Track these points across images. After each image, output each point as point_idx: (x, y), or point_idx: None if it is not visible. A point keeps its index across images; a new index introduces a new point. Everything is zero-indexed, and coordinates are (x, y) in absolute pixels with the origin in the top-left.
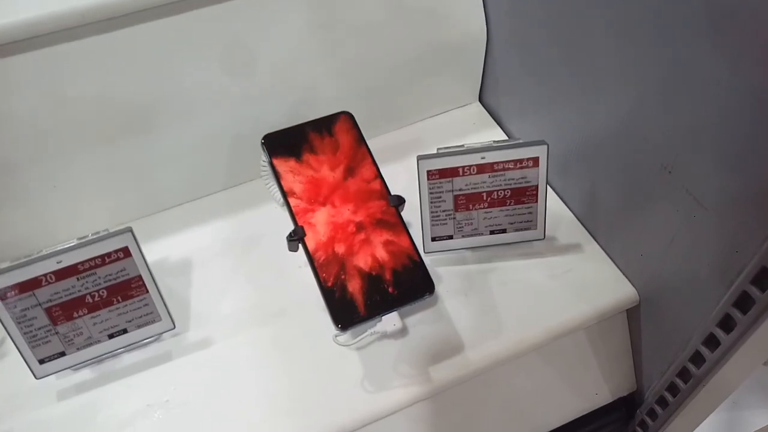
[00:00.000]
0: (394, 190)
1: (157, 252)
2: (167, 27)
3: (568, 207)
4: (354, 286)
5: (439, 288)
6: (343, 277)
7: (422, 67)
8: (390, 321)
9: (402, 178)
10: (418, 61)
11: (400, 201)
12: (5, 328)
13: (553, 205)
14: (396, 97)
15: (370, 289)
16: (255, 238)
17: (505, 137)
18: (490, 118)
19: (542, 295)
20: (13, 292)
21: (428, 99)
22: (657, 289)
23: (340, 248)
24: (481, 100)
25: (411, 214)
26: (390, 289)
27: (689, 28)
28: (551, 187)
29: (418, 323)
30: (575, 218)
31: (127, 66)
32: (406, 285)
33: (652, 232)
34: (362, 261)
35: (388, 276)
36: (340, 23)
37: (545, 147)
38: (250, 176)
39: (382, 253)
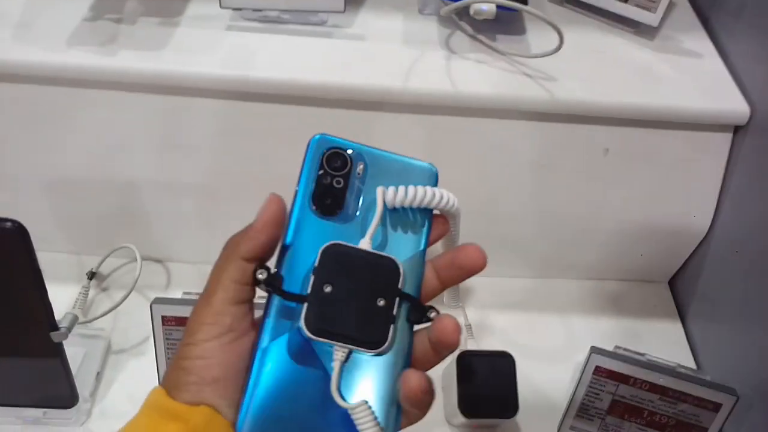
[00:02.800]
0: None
1: None
2: (381, 121)
3: None
4: None
5: None
6: None
7: (626, 235)
8: None
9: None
10: (626, 227)
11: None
12: (155, 345)
13: None
14: (586, 251)
15: None
16: None
17: (683, 334)
18: (673, 306)
19: None
20: (174, 322)
21: (618, 263)
22: None
23: None
24: (670, 281)
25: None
26: None
27: None
28: None
29: None
30: None
31: None
32: None
33: None
34: None
35: None
36: (560, 170)
37: (734, 399)
38: None
39: None
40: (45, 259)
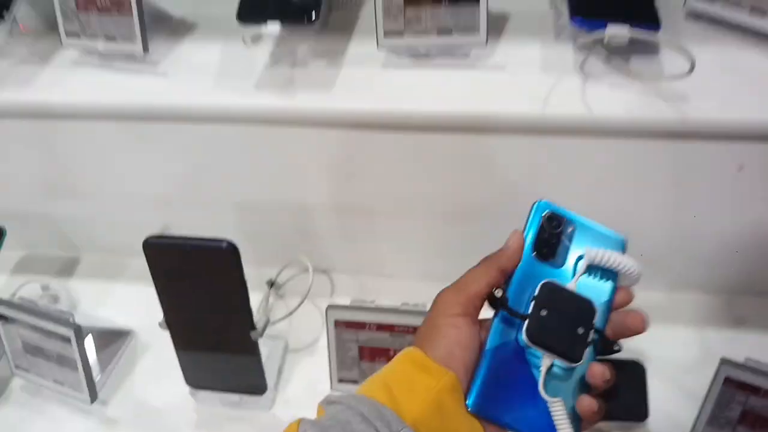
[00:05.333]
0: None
1: None
2: (523, 144)
3: None
4: None
5: None
6: None
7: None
8: None
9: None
10: (763, 242)
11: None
12: (328, 345)
13: None
14: (724, 267)
15: None
16: None
17: None
18: None
19: None
20: (344, 325)
21: (754, 278)
22: None
23: None
24: None
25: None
26: None
27: None
28: None
29: None
30: None
31: (491, 168)
32: None
33: None
34: None
35: None
36: (693, 187)
37: None
38: None
39: None
40: None
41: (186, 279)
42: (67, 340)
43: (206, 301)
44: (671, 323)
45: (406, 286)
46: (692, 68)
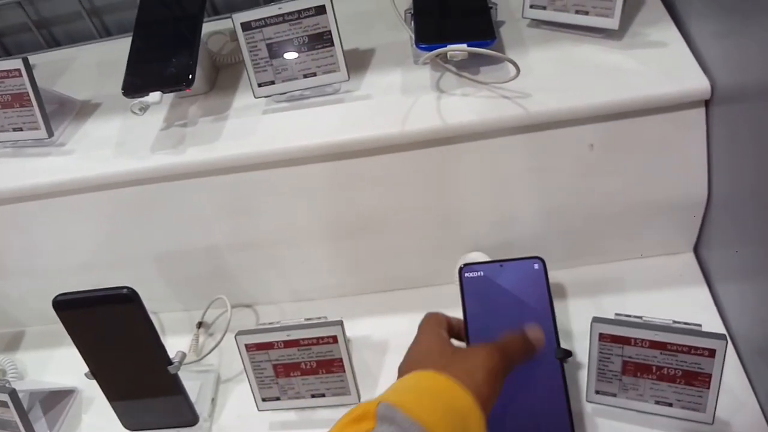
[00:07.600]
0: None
1: (364, 328)
2: (391, 162)
3: (756, 395)
4: None
5: None
6: None
7: (633, 216)
8: None
9: (587, 315)
10: (629, 209)
11: (566, 354)
12: (245, 369)
13: (737, 387)
14: (601, 237)
15: None
16: None
17: (710, 300)
18: (700, 273)
19: None
20: (255, 348)
21: (637, 242)
22: None
23: None
24: (696, 250)
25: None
26: None
27: None
28: (744, 368)
29: None
30: (761, 411)
31: (368, 187)
32: None
33: None
34: None
35: None
36: (553, 170)
37: (724, 342)
38: (446, 280)
39: None
40: (167, 318)
41: (98, 329)
42: (5, 404)
43: (121, 346)
44: (564, 297)
45: (325, 305)
46: (518, 73)
